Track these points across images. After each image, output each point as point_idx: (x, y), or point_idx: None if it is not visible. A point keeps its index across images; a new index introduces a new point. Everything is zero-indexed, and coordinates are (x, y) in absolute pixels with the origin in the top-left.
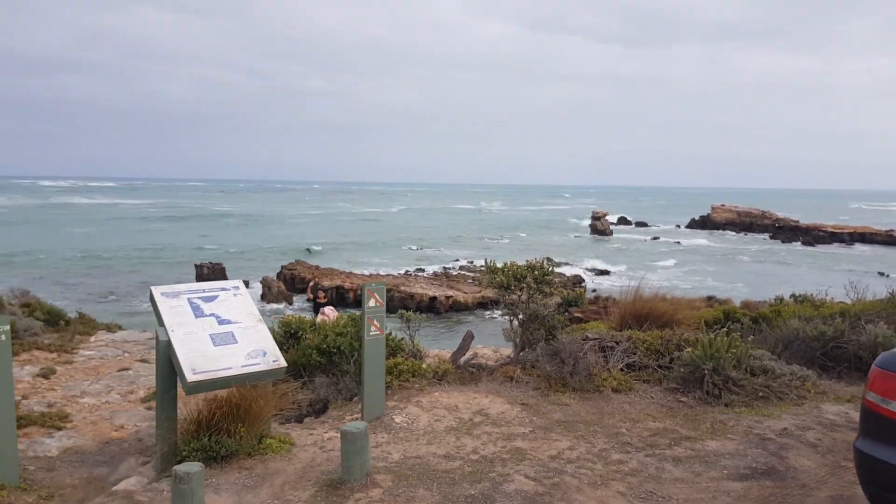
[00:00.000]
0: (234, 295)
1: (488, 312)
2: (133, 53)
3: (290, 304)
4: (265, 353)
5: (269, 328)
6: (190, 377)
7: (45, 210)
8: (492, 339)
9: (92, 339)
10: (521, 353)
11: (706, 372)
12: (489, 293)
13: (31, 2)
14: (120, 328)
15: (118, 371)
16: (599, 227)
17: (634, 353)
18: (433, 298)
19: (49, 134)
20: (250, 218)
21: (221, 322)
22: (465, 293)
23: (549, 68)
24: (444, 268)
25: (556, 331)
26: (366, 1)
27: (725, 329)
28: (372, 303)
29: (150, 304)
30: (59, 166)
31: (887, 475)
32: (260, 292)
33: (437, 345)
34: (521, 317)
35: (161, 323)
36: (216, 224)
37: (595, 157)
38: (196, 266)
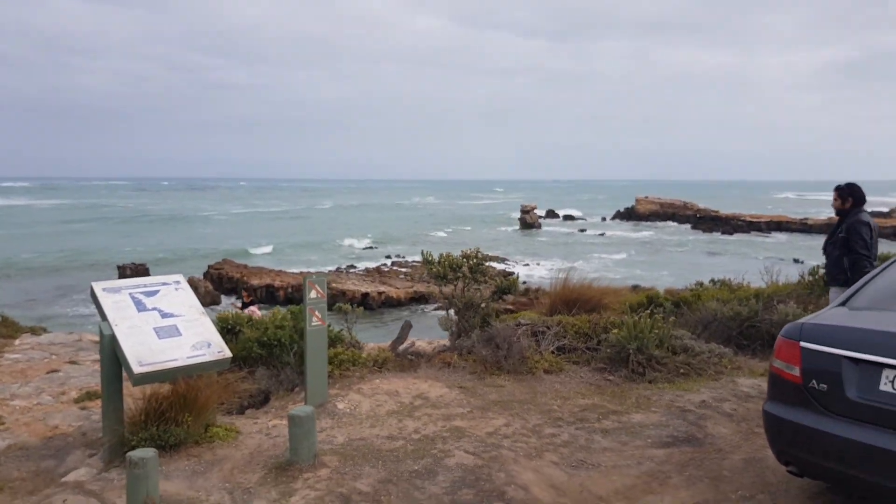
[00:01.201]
0: (176, 289)
1: (422, 307)
2: (45, 45)
3: (218, 304)
4: (210, 345)
5: (213, 321)
6: (137, 369)
7: None
8: (426, 332)
9: (17, 342)
10: (458, 341)
11: (631, 351)
12: (422, 288)
13: None
14: (45, 331)
15: (47, 373)
16: (528, 221)
17: (564, 337)
18: (365, 294)
19: None
20: (174, 217)
21: (164, 315)
22: (398, 288)
23: (478, 63)
24: (376, 264)
25: (490, 318)
26: None
27: (649, 312)
28: (313, 294)
29: (79, 305)
30: None
31: (790, 433)
32: None
33: (371, 339)
34: (457, 305)
35: (104, 318)
36: (138, 224)
37: (525, 152)
38: (119, 267)
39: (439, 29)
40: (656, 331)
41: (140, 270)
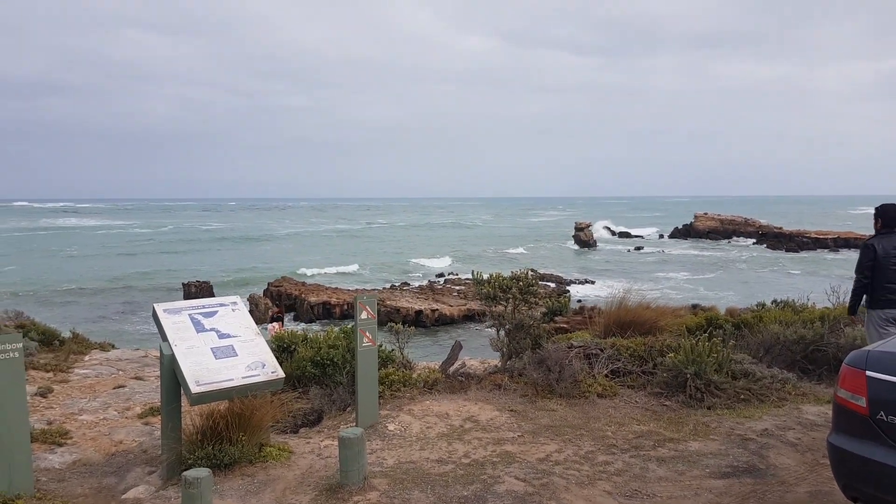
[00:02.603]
0: (233, 310)
1: (475, 325)
2: (116, 74)
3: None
4: (264, 365)
5: (268, 342)
6: (194, 388)
7: (36, 233)
8: (479, 352)
9: (86, 358)
10: (509, 362)
11: (689, 376)
12: (475, 306)
13: (12, 24)
14: (113, 347)
15: (114, 388)
16: (583, 238)
17: (618, 360)
18: (419, 312)
19: (32, 156)
20: (243, 237)
21: (221, 336)
22: (451, 306)
23: (530, 81)
24: (429, 281)
25: (541, 340)
26: (347, 18)
27: (707, 335)
28: (364, 315)
29: (146, 323)
30: (44, 188)
31: (857, 466)
32: (247, 309)
33: (424, 358)
34: (507, 327)
35: (164, 338)
36: (207, 243)
37: (578, 169)
38: (184, 285)
39: (491, 48)
40: (715, 354)
41: (204, 288)
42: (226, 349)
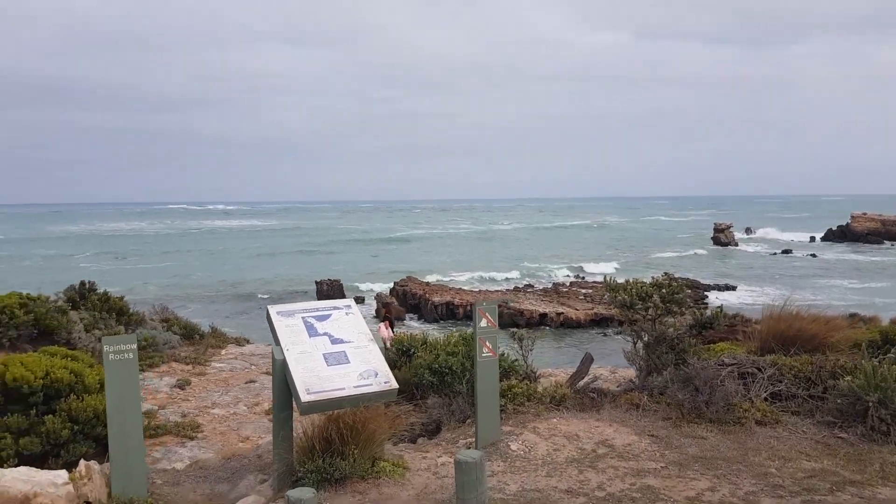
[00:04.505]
0: (347, 314)
1: (602, 330)
2: (252, 86)
3: (403, 320)
4: (377, 374)
5: (381, 348)
6: (304, 397)
7: (188, 232)
8: (607, 359)
9: (223, 351)
10: (647, 378)
11: (871, 404)
12: (603, 310)
13: (160, 43)
14: (248, 342)
15: (245, 383)
16: (723, 240)
17: (780, 381)
18: (543, 315)
19: (183, 164)
20: (376, 238)
21: (334, 341)
22: (577, 310)
23: (661, 75)
24: (554, 284)
25: (686, 355)
26: (470, 23)
27: (893, 355)
28: (484, 323)
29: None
30: (196, 193)
31: None
32: (375, 308)
33: (548, 364)
34: (645, 338)
35: (277, 342)
36: (342, 244)
37: (716, 166)
38: (316, 283)
39: (619, 43)
40: None
41: (335, 286)
42: (338, 355)
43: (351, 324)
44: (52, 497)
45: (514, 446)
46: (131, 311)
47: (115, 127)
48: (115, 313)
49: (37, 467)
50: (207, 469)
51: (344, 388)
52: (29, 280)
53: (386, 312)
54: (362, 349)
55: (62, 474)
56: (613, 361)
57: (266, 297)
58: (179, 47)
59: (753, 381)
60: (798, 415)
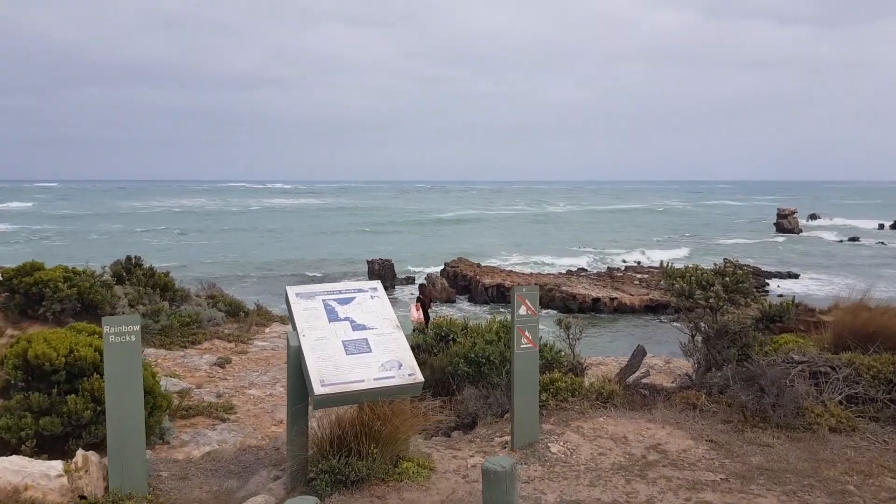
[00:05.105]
0: (372, 297)
1: (656, 316)
2: (316, 66)
3: (453, 302)
4: (401, 366)
5: (407, 336)
6: (318, 389)
7: (248, 210)
8: (660, 347)
9: (267, 329)
10: (706, 375)
11: None
12: (658, 296)
13: (229, 24)
14: None
15: (285, 363)
16: (786, 226)
17: (857, 383)
18: (596, 300)
19: (245, 142)
20: (429, 219)
21: (356, 327)
22: (632, 295)
23: (728, 56)
24: (609, 268)
25: (750, 350)
26: (532, 4)
27: None
28: (522, 310)
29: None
30: (255, 171)
31: None
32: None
33: (599, 351)
34: (705, 331)
35: (294, 327)
36: (399, 225)
37: (784, 150)
38: (368, 262)
39: (684, 22)
40: None
41: (387, 265)
42: (359, 343)
43: (376, 308)
44: (43, 490)
45: (554, 448)
46: (176, 286)
47: (181, 107)
48: (161, 289)
49: (59, 448)
50: (219, 462)
51: (363, 381)
52: (90, 254)
53: (421, 293)
54: (386, 337)
55: (56, 465)
56: (668, 349)
57: (319, 275)
58: (243, 29)
59: (827, 382)
60: (877, 421)
